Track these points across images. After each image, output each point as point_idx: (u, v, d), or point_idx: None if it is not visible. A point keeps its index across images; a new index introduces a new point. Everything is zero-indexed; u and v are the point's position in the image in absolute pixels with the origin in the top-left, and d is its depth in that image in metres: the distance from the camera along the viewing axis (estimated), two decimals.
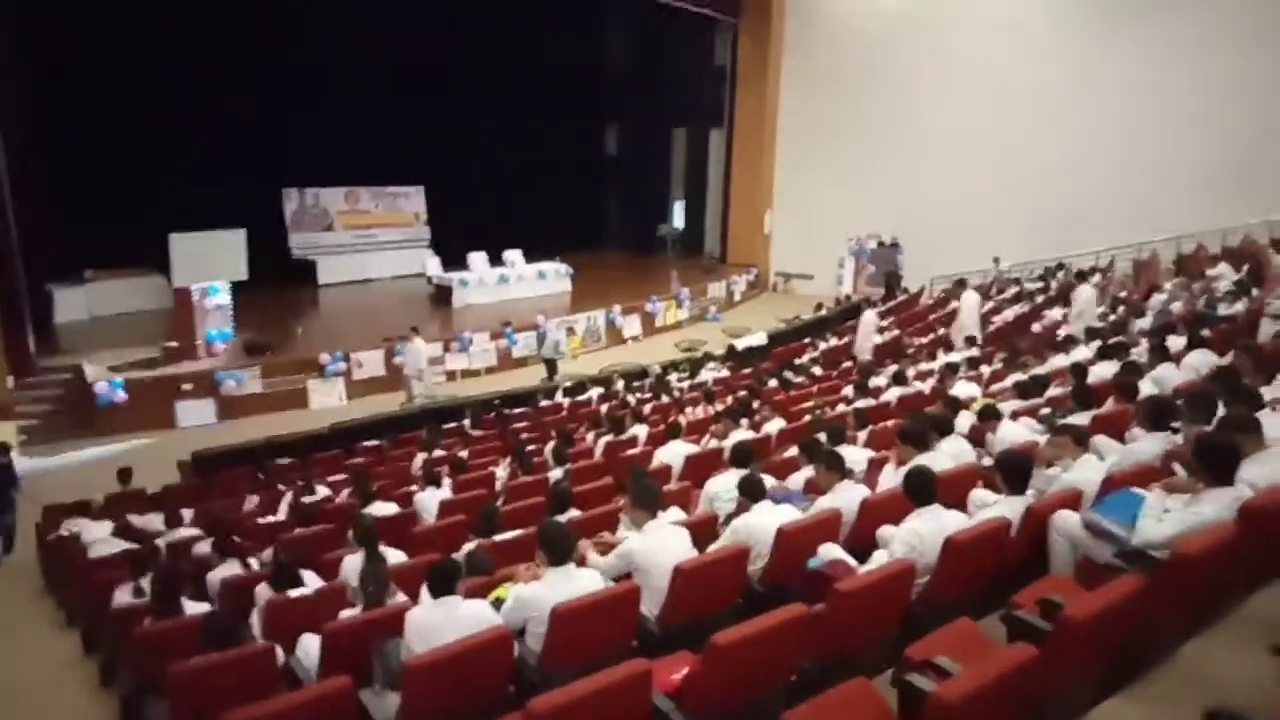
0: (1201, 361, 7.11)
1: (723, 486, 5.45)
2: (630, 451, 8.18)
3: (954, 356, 10.96)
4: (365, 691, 3.57)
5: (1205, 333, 8.40)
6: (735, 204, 25.69)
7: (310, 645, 4.23)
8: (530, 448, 8.99)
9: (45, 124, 16.27)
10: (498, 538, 5.33)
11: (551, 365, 15.50)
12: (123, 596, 5.18)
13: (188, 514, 7.96)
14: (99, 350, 14.56)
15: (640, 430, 9.22)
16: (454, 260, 20.21)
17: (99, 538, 7.36)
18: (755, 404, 9.28)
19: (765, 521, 4.38)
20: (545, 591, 3.69)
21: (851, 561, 3.94)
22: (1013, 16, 20.83)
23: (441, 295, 19.32)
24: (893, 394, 9.14)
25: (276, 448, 11.04)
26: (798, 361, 13.55)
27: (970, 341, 12.24)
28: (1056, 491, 4.20)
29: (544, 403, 13.07)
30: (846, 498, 4.69)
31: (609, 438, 8.95)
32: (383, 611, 4.03)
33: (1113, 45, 19.33)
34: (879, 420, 7.75)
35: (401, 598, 4.39)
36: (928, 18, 21.85)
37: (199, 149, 18.10)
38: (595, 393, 13.29)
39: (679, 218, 27.57)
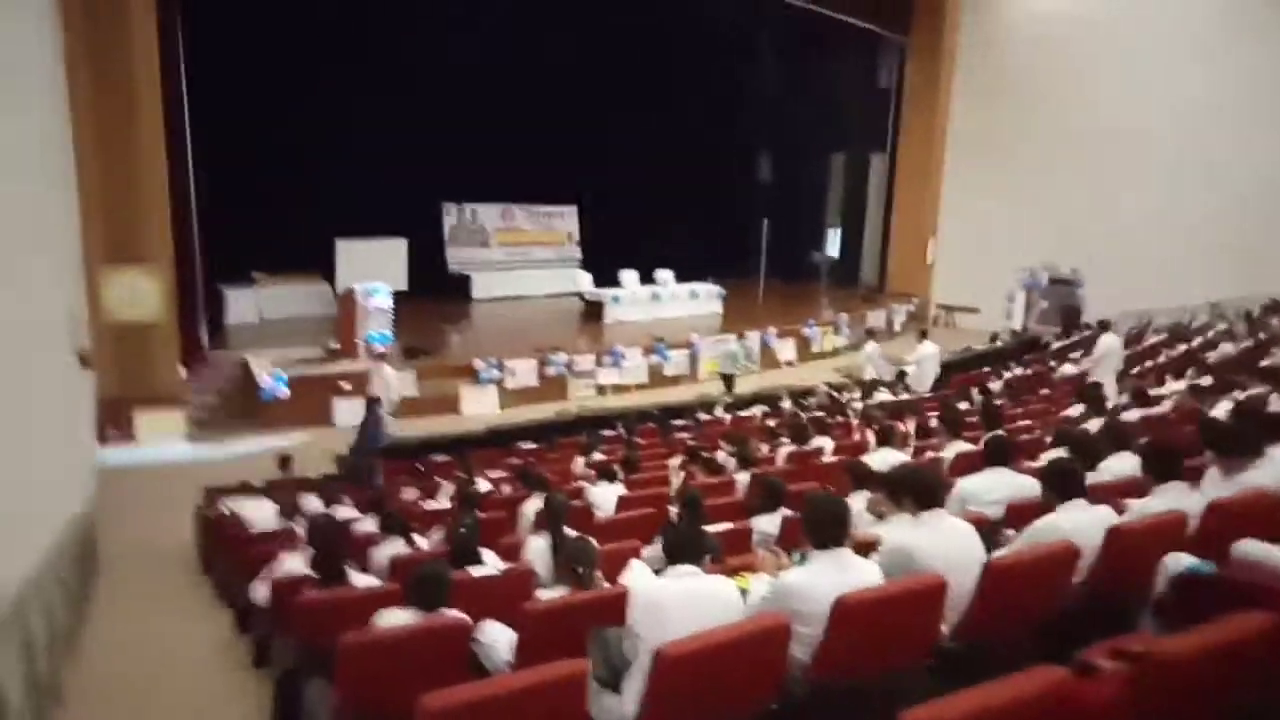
0: None
1: (981, 486, 4.42)
2: (826, 459, 7.20)
3: (1203, 380, 9.42)
4: None
5: None
6: (896, 232, 24.31)
7: (498, 632, 3.48)
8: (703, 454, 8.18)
9: (222, 130, 16.89)
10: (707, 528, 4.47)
11: (729, 380, 14.76)
12: (291, 564, 4.62)
13: (346, 500, 7.53)
14: (265, 348, 14.81)
15: (825, 442, 8.26)
16: (604, 279, 19.91)
17: (258, 516, 6.99)
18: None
19: (1084, 521, 3.33)
20: (819, 579, 2.79)
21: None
22: (1194, 30, 18.83)
23: (592, 311, 18.93)
24: (1133, 414, 7.77)
25: (432, 446, 10.66)
26: (992, 387, 12.18)
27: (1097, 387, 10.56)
28: None
29: (703, 416, 12.25)
30: (1180, 501, 3.57)
31: (791, 448, 8.01)
32: (595, 594, 3.22)
33: None
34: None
35: (605, 584, 3.59)
36: (1113, 30, 20.05)
37: (364, 160, 18.47)
38: (759, 409, 12.38)
39: (833, 245, 26.40)
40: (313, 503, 7.37)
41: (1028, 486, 4.29)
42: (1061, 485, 3.46)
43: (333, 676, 3.10)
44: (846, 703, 2.65)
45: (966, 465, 5.44)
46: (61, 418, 8.54)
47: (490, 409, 14.57)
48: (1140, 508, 3.57)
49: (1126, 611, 3.11)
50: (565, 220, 23.04)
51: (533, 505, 6.20)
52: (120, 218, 12.44)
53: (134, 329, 12.67)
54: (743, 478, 6.78)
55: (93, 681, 5.05)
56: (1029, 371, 14.46)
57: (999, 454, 4.53)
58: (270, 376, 13.24)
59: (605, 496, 6.37)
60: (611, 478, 6.53)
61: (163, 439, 12.71)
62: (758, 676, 2.52)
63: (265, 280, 17.84)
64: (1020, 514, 3.88)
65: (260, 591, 4.62)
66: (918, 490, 3.32)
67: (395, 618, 3.20)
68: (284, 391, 13.26)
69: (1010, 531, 3.74)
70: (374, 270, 16.48)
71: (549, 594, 3.57)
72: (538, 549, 4.32)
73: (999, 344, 18.80)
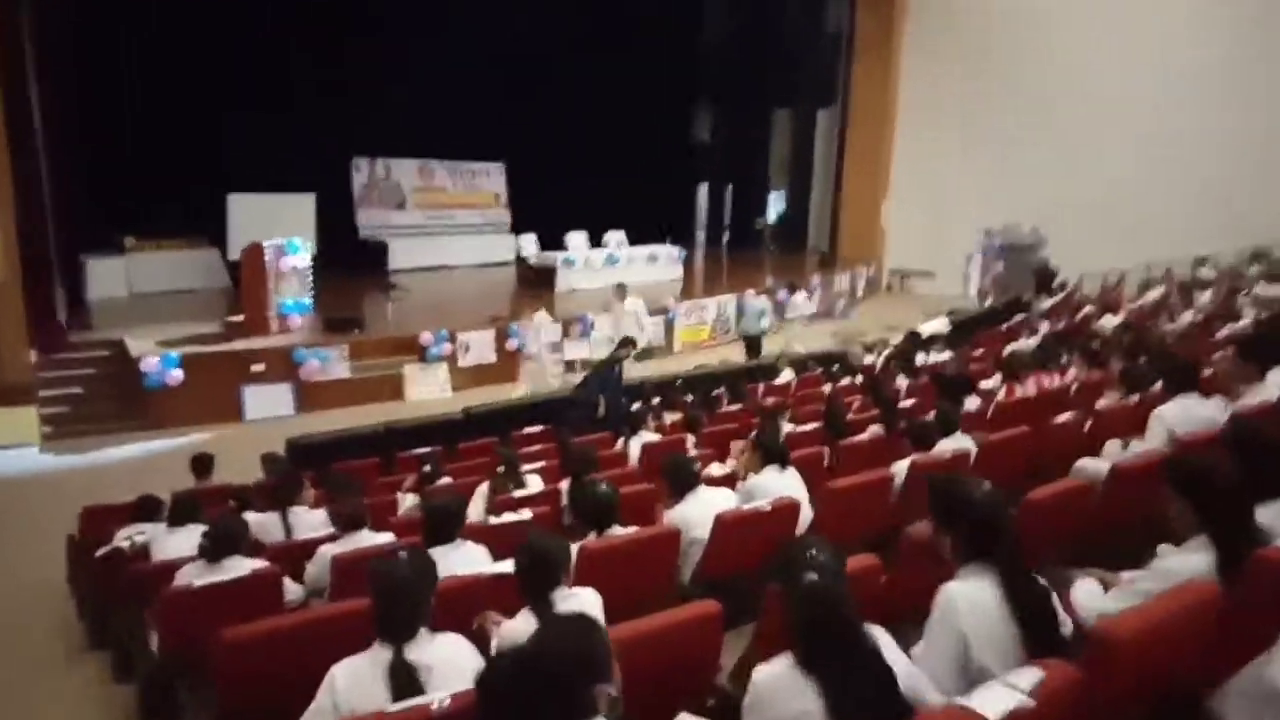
0: None
1: None
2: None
3: None
4: None
5: None
6: (848, 193, 22.56)
7: None
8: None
9: (83, 75, 13.51)
10: None
11: (753, 342, 12.88)
12: (347, 681, 2.08)
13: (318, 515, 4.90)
14: (143, 326, 11.60)
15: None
16: (543, 244, 17.51)
17: (186, 553, 4.21)
18: None
19: None
20: None
21: None
22: None
23: (540, 278, 16.35)
24: None
25: (402, 435, 7.99)
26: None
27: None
28: None
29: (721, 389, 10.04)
30: None
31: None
32: None
33: None
34: None
35: None
36: None
37: (259, 108, 15.16)
38: (788, 375, 10.29)
39: (777, 209, 24.58)
40: (271, 527, 4.70)
41: None
42: None
43: None
44: None
45: None
46: None
47: (440, 392, 11.90)
48: None
49: None
50: (491, 179, 20.22)
51: (681, 511, 3.85)
52: None
53: None
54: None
55: None
56: (1060, 327, 12.98)
57: None
58: (156, 358, 10.15)
59: (770, 488, 4.06)
60: (783, 461, 4.18)
61: (9, 445, 9.49)
62: None
63: (137, 247, 14.40)
64: None
65: None
66: None
67: None
68: (176, 375, 10.21)
69: None
70: (275, 232, 13.37)
71: None
72: None
73: (989, 302, 17.63)
